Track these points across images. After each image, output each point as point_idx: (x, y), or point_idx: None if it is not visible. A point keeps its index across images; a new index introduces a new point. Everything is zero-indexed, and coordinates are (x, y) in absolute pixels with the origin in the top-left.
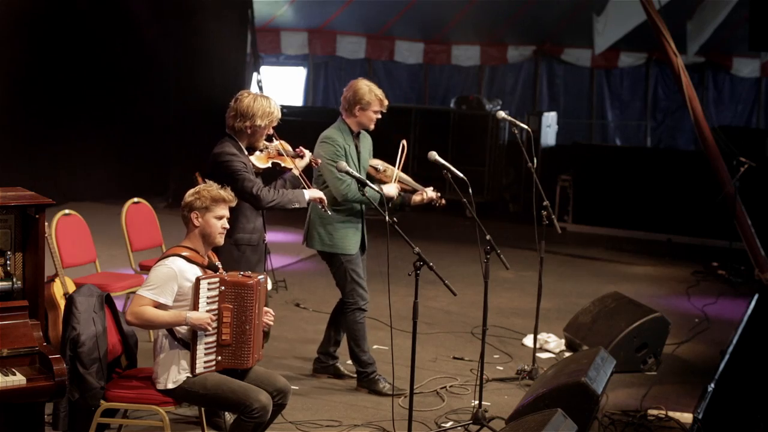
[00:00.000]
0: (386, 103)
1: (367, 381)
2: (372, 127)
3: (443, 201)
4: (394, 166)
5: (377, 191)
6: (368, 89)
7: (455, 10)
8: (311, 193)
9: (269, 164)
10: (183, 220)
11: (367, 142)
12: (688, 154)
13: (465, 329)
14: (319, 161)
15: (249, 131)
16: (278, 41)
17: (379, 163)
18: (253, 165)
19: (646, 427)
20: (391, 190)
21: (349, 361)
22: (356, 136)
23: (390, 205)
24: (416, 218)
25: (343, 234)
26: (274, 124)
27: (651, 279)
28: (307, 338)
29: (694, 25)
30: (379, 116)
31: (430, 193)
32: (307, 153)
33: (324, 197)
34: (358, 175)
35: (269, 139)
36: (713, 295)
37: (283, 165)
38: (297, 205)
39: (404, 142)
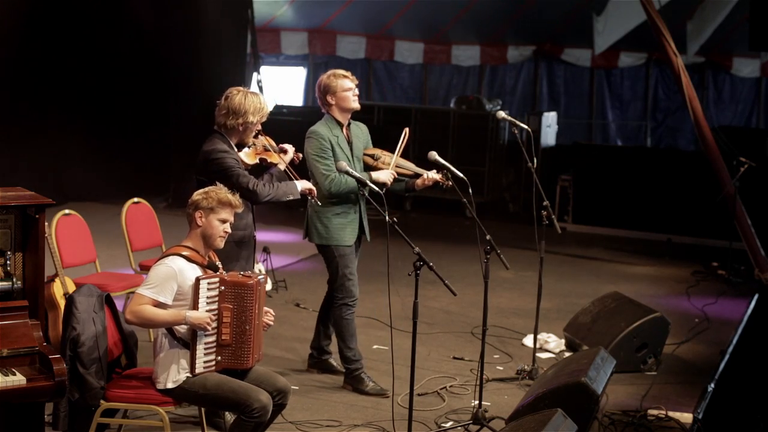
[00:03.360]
0: (350, 75)
1: (351, 378)
2: (356, 105)
3: (449, 182)
4: (394, 153)
5: (372, 186)
6: (328, 75)
7: (455, 10)
8: (302, 184)
9: (257, 160)
10: (187, 218)
11: (361, 132)
12: (688, 154)
13: (465, 329)
14: (300, 155)
15: (241, 128)
16: (278, 41)
17: (376, 152)
18: (242, 161)
19: (646, 427)
20: (383, 176)
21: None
22: (347, 126)
23: (383, 190)
24: (416, 218)
25: (339, 226)
26: (264, 119)
27: (651, 279)
28: (307, 338)
29: (694, 25)
30: (356, 91)
31: (431, 174)
32: (290, 148)
33: (314, 188)
34: (358, 175)
35: (255, 135)
36: (713, 295)
37: (269, 160)
38: (291, 197)
39: (407, 129)
